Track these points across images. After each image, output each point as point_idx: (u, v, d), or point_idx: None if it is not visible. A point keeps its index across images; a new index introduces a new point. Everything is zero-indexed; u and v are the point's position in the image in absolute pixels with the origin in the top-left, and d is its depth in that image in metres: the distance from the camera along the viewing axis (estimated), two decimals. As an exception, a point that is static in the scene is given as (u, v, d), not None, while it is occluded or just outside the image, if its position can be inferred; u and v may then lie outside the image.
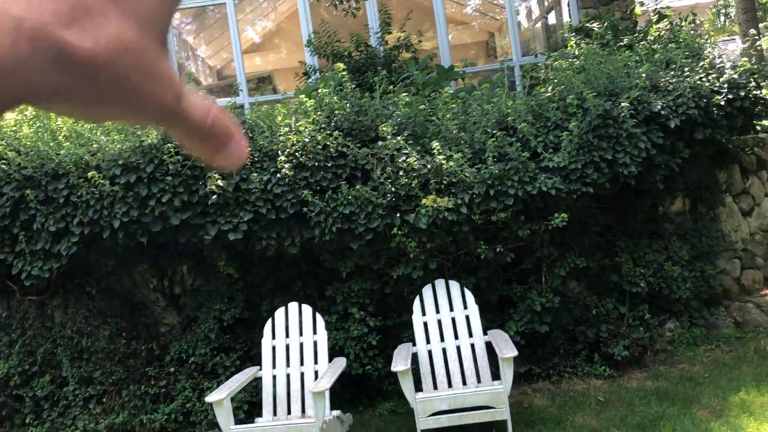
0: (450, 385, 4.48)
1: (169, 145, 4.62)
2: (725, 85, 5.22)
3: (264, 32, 13.83)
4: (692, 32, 6.51)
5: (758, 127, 5.87)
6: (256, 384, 4.70)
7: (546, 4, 10.27)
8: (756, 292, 5.82)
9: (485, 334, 4.58)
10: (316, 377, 4.37)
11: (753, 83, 5.36)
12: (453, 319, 4.70)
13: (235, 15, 9.36)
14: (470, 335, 4.63)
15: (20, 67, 0.25)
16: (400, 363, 4.05)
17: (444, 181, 4.67)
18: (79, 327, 5.13)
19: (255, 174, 4.65)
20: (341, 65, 5.37)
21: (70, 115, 0.30)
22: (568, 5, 8.40)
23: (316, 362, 4.50)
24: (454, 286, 4.78)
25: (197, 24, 10.87)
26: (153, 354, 5.23)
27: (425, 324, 4.69)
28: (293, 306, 4.66)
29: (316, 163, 4.70)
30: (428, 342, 4.64)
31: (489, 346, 4.46)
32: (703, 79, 5.22)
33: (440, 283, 4.81)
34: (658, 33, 6.81)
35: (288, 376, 4.48)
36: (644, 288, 5.08)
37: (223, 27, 9.77)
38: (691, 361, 4.99)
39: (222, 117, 0.33)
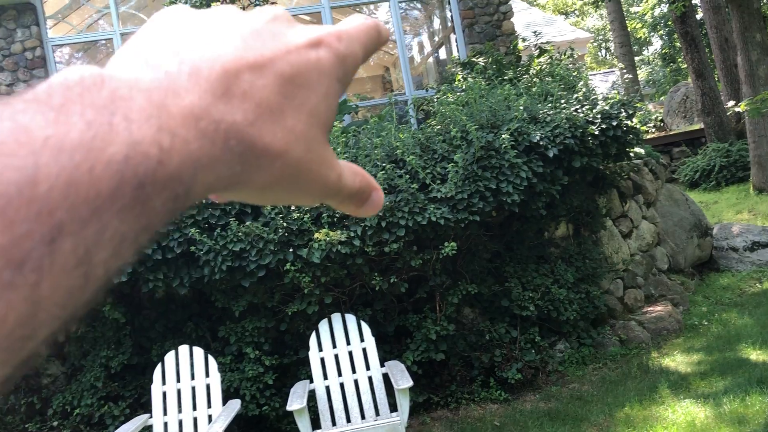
0: (348, 420, 4.44)
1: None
2: (598, 116, 5.54)
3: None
4: (570, 66, 6.89)
5: (632, 154, 6.25)
6: (146, 433, 4.48)
7: (436, 39, 10.62)
8: (638, 310, 6.15)
9: (382, 365, 4.58)
10: (210, 421, 4.23)
11: (624, 113, 5.72)
12: (350, 353, 4.68)
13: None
14: (367, 368, 4.62)
15: (213, 162, 0.27)
16: (295, 402, 3.98)
17: (336, 214, 4.69)
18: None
19: (140, 214, 4.50)
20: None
21: (245, 198, 0.32)
22: (456, 41, 8.73)
23: (209, 406, 4.36)
24: (351, 319, 4.78)
25: (88, 59, 10.51)
26: (34, 408, 4.90)
27: (322, 360, 4.64)
28: (183, 349, 4.51)
29: (204, 201, 4.60)
30: (326, 378, 4.59)
31: (387, 378, 4.47)
32: (578, 110, 5.52)
33: (336, 317, 4.79)
34: (539, 67, 7.17)
35: (180, 422, 4.31)
36: (534, 311, 5.25)
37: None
38: (581, 381, 5.18)
39: (364, 173, 0.37)
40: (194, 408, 4.35)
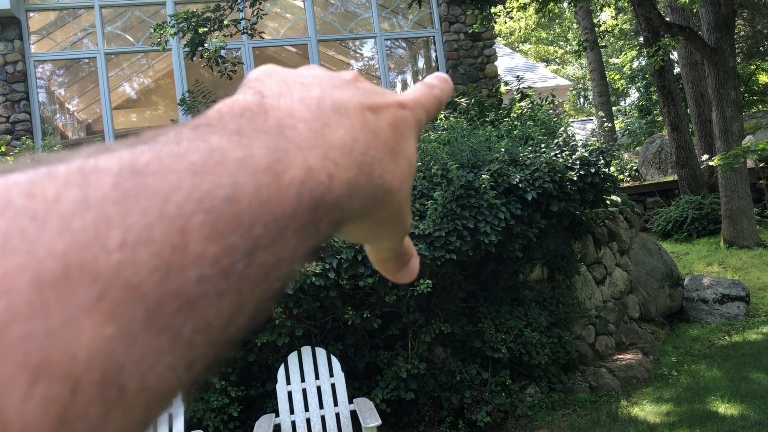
0: (313, 457, 4.34)
1: None
2: (577, 162, 5.61)
3: (140, 88, 13.51)
4: (550, 111, 7.01)
5: (608, 202, 6.33)
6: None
7: (420, 78, 10.74)
8: (609, 357, 6.15)
9: (351, 402, 4.50)
10: (169, 453, 4.10)
11: (602, 161, 5.81)
12: (318, 388, 4.60)
13: (106, 69, 9.09)
14: (335, 404, 4.54)
15: (361, 191, 0.29)
16: (259, 435, 3.89)
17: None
18: None
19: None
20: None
21: (350, 232, 0.34)
22: (440, 80, 8.83)
23: (170, 436, 4.23)
24: (321, 353, 4.70)
25: (69, 76, 10.45)
26: None
27: (290, 393, 4.55)
28: (148, 376, 4.39)
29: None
30: (292, 412, 4.50)
31: (354, 415, 4.39)
32: (558, 155, 5.59)
33: (306, 351, 4.72)
34: (520, 111, 7.28)
35: (138, 452, 4.17)
36: (506, 354, 5.22)
37: (96, 80, 9.44)
38: (550, 426, 5.14)
39: (408, 238, 0.39)
40: (154, 438, 4.22)
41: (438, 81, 0.41)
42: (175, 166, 0.23)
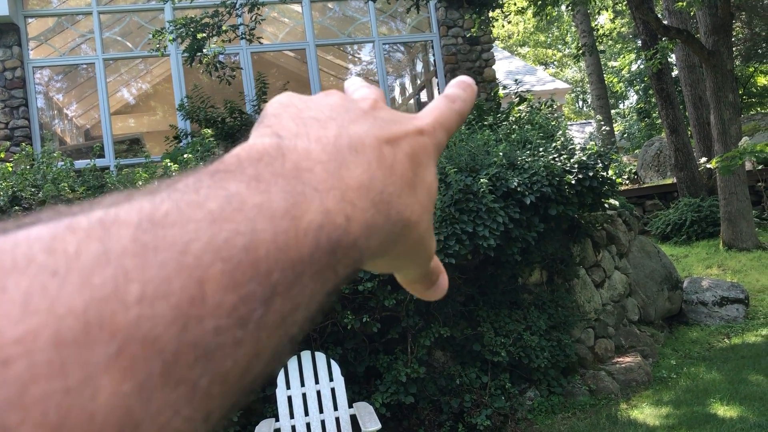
0: (313, 461, 4.34)
1: None
2: (576, 165, 5.62)
3: (139, 94, 13.52)
4: (549, 115, 7.02)
5: (606, 205, 6.34)
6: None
7: (419, 82, 10.76)
8: (608, 360, 6.15)
9: (351, 406, 4.51)
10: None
11: (600, 164, 5.81)
12: (318, 392, 4.60)
13: (104, 74, 9.10)
14: (335, 408, 4.54)
15: (378, 231, 0.29)
16: (259, 440, 3.89)
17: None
18: None
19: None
20: (209, 131, 5.32)
21: (373, 267, 0.35)
22: (438, 84, 8.84)
23: (170, 442, 4.23)
24: (320, 357, 4.70)
25: (68, 82, 10.46)
26: None
27: (289, 398, 4.55)
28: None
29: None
30: (292, 417, 4.50)
31: (354, 419, 4.39)
32: (556, 159, 5.60)
33: (306, 355, 4.72)
34: (519, 114, 7.29)
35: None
36: (505, 357, 5.22)
37: (94, 86, 9.46)
38: (550, 429, 5.14)
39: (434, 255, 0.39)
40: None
41: (461, 90, 0.40)
42: (194, 215, 0.23)
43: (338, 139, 0.30)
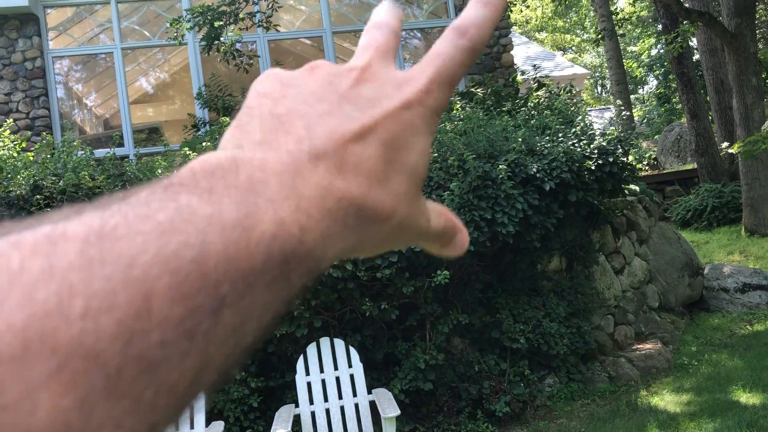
0: (332, 447, 4.37)
1: None
2: (595, 151, 5.57)
3: (157, 83, 13.58)
4: (568, 101, 6.95)
5: (626, 191, 6.28)
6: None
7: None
8: (628, 347, 6.12)
9: (369, 393, 4.53)
10: (191, 443, 4.15)
11: (620, 150, 5.76)
12: (337, 379, 4.62)
13: (123, 64, 9.15)
14: (354, 395, 4.56)
15: (337, 237, 0.29)
16: (280, 426, 3.92)
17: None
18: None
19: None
20: (227, 119, 5.33)
21: (359, 254, 0.34)
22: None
23: (192, 427, 4.27)
24: (339, 344, 4.72)
25: (87, 71, 10.53)
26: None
27: (309, 384, 4.58)
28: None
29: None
30: (312, 403, 4.53)
31: (373, 406, 4.41)
32: (576, 145, 5.55)
33: (325, 342, 4.74)
34: (537, 100, 7.23)
35: (160, 443, 4.22)
36: (524, 344, 5.21)
37: (113, 75, 9.52)
38: (569, 416, 5.13)
39: (449, 213, 0.38)
40: (176, 429, 4.27)
41: (480, 6, 0.35)
42: (143, 228, 0.23)
43: (299, 145, 0.30)
